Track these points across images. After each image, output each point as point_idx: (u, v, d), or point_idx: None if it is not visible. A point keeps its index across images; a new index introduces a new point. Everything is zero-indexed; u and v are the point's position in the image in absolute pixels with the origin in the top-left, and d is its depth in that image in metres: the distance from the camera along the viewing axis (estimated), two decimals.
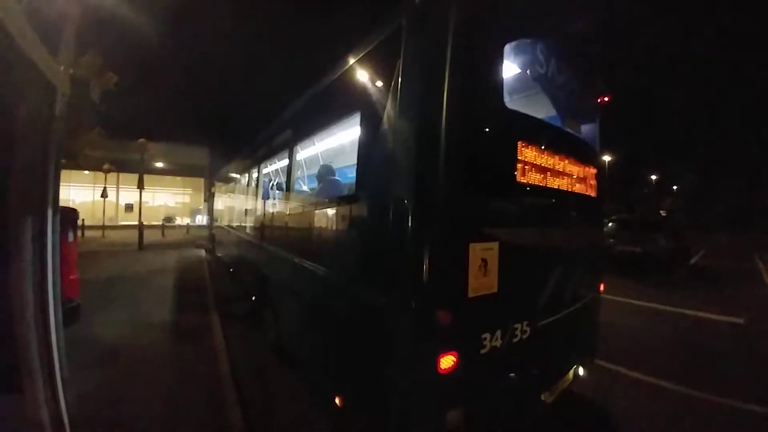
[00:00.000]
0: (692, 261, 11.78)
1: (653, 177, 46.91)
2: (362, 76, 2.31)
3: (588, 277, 2.79)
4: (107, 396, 2.83)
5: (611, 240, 9.58)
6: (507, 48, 1.97)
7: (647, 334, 4.87)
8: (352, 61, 2.45)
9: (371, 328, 1.99)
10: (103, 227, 18.81)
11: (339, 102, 2.70)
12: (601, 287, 3.07)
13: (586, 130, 2.96)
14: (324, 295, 2.66)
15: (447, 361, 1.66)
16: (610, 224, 10.50)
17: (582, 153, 2.61)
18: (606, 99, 3.21)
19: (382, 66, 2.08)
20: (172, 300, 5.93)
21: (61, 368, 1.77)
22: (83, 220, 15.23)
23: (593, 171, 2.79)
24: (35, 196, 1.73)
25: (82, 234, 15.44)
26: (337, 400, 2.35)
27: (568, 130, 2.69)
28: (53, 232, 1.81)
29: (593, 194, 2.80)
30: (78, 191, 25.36)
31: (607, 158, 29.33)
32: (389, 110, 1.92)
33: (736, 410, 2.99)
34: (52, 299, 1.76)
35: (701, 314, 5.74)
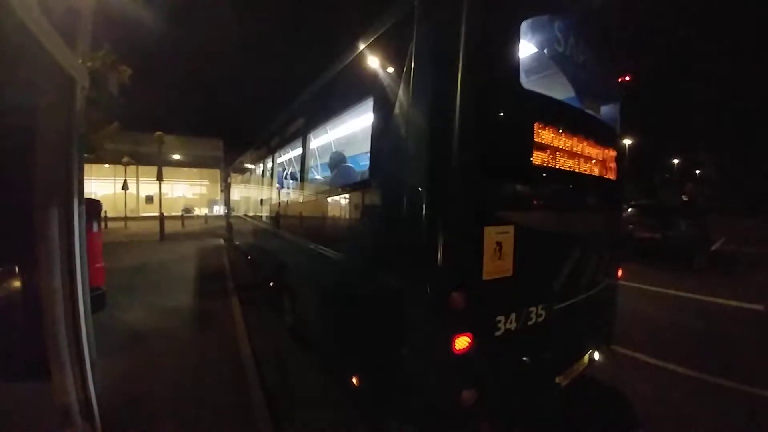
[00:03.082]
0: (713, 247, 11.42)
1: (675, 161, 45.28)
2: (375, 60, 2.29)
3: (605, 261, 2.74)
4: (133, 378, 2.97)
5: (631, 226, 9.35)
6: (523, 26, 1.91)
7: (665, 321, 4.79)
8: (364, 45, 2.42)
9: (387, 310, 2.02)
10: (125, 219, 19.39)
11: (351, 88, 2.68)
12: (619, 273, 3.02)
13: (607, 111, 2.87)
14: (340, 279, 2.70)
15: (461, 343, 1.67)
16: (629, 210, 10.24)
17: (601, 135, 2.54)
18: (628, 78, 3.09)
19: (394, 49, 2.05)
20: (194, 287, 6.12)
21: (89, 353, 1.85)
22: (106, 212, 15.70)
23: (613, 153, 2.71)
24: (61, 188, 1.79)
25: (106, 225, 15.94)
26: (354, 380, 2.41)
27: (587, 111, 2.62)
28: (79, 221, 1.87)
29: (612, 177, 2.73)
30: (100, 184, 26.08)
31: (627, 141, 28.41)
32: (402, 94, 1.90)
33: (753, 396, 2.95)
34: (80, 286, 1.84)
35: (721, 301, 5.62)
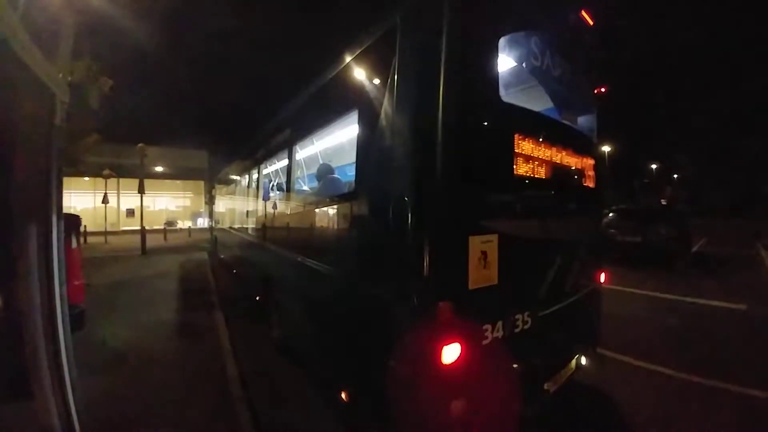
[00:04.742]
0: (694, 249, 11.77)
1: (653, 166, 46.86)
2: (359, 74, 2.33)
3: (588, 267, 2.81)
4: (116, 399, 2.87)
5: (612, 230, 9.58)
6: (502, 41, 1.98)
7: (649, 323, 4.89)
8: (348, 59, 2.46)
9: (374, 322, 2.02)
10: (105, 233, 18.85)
11: (337, 100, 2.71)
12: (602, 277, 3.09)
13: (584, 121, 2.97)
14: (327, 291, 2.69)
15: (449, 353, 1.68)
16: (610, 215, 10.49)
17: (579, 144, 2.62)
18: (603, 90, 3.21)
19: (378, 63, 2.09)
20: (177, 303, 5.98)
21: (69, 373, 1.79)
22: (85, 226, 15.27)
23: (591, 162, 2.80)
24: (38, 203, 1.74)
25: (85, 240, 15.49)
26: (343, 395, 2.39)
27: (565, 121, 2.70)
28: (58, 238, 1.83)
29: (591, 185, 2.81)
30: (79, 198, 25.38)
31: (606, 148, 29.30)
32: (386, 107, 1.94)
33: (740, 395, 3.01)
34: (59, 304, 1.79)
35: (703, 302, 5.75)
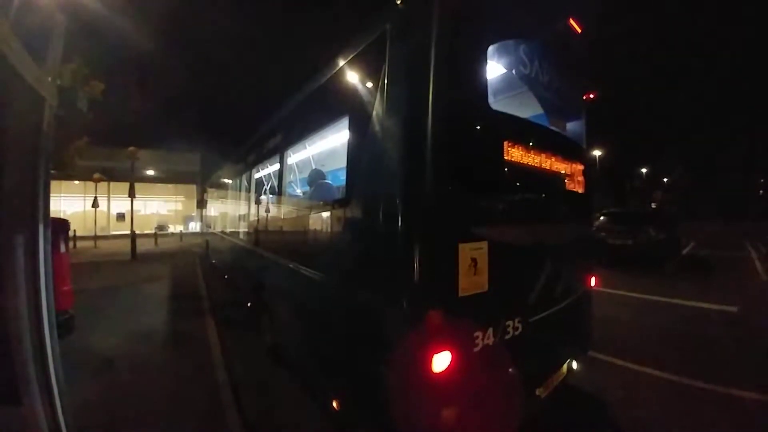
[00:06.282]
0: (684, 252, 11.93)
1: (643, 170, 47.52)
2: (350, 80, 2.34)
3: (578, 272, 2.83)
4: (105, 406, 2.82)
5: (603, 233, 9.68)
6: (491, 49, 2.01)
7: (640, 325, 4.92)
8: (339, 65, 2.47)
9: (365, 330, 2.01)
10: (95, 237, 18.61)
11: (328, 106, 2.71)
12: (593, 281, 3.11)
13: (573, 126, 3.01)
14: (318, 298, 2.67)
15: (440, 361, 1.67)
16: (601, 218, 10.61)
17: (568, 150, 2.65)
18: (592, 96, 3.26)
19: (368, 70, 2.10)
20: (168, 309, 5.90)
21: (57, 380, 1.76)
22: (75, 230, 15.06)
23: (580, 167, 2.83)
24: (25, 209, 1.72)
25: (74, 245, 15.25)
26: (334, 403, 2.37)
27: (553, 128, 2.73)
28: (45, 243, 1.80)
29: (581, 190, 2.84)
30: (69, 202, 25.00)
31: (597, 153, 29.68)
32: (377, 113, 1.95)
33: (732, 398, 3.02)
34: (46, 311, 1.76)
35: (694, 304, 5.78)
